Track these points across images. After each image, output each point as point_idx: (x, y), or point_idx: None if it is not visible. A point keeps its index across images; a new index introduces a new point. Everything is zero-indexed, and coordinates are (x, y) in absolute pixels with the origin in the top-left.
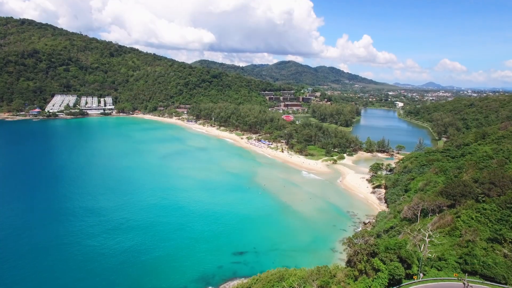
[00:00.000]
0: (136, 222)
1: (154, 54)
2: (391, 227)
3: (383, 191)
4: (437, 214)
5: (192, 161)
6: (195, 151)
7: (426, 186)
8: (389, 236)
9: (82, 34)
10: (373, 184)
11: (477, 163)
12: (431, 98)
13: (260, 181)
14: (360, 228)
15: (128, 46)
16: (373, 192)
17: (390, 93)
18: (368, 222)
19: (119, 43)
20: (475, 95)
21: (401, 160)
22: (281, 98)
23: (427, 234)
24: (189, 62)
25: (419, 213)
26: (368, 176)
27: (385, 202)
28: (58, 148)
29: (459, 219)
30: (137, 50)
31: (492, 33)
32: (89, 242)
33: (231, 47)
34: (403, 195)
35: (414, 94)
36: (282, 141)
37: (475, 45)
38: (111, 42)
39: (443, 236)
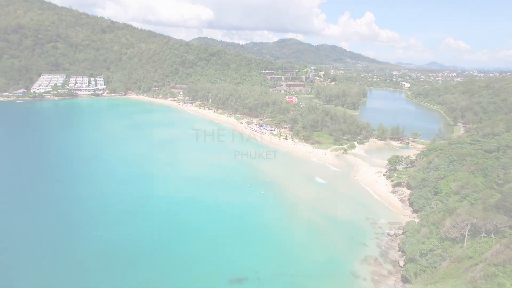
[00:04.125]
0: (112, 234)
1: (149, 30)
2: (430, 250)
3: (405, 190)
4: (492, 236)
5: (184, 150)
6: (189, 139)
7: (463, 189)
8: (428, 261)
9: (71, 9)
10: (392, 181)
11: None
12: (437, 78)
13: (262, 176)
14: (385, 242)
15: (121, 22)
16: (394, 192)
17: (394, 72)
18: (394, 233)
19: (116, 21)
20: (481, 75)
21: (423, 152)
22: (282, 77)
23: None
24: (188, 40)
25: (466, 232)
26: (385, 171)
27: (409, 206)
28: (44, 133)
29: None
30: (131, 26)
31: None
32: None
33: (230, 24)
34: (433, 198)
35: (419, 74)
36: (285, 126)
37: (480, 22)
38: (103, 17)
39: None
